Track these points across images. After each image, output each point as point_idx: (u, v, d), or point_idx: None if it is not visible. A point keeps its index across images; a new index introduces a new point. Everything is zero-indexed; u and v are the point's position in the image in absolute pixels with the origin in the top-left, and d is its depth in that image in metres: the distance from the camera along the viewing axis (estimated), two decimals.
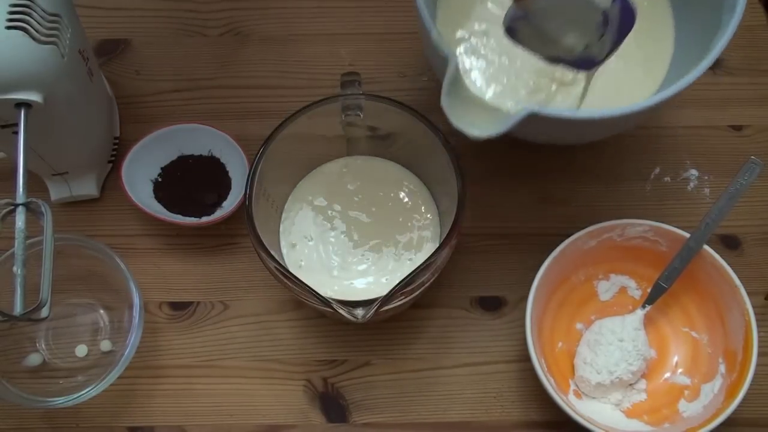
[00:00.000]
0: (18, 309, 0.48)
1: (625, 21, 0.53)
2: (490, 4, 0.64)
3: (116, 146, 0.70)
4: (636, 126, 0.66)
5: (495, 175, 0.69)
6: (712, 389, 0.58)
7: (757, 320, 0.57)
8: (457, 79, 0.52)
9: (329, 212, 0.62)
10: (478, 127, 0.50)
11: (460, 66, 0.56)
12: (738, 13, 0.52)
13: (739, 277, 0.58)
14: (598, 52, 0.53)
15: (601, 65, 0.55)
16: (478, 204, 0.67)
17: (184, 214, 0.65)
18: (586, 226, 0.60)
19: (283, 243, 0.62)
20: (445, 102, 0.49)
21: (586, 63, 0.55)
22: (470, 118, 0.51)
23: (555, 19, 0.52)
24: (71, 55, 0.56)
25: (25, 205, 0.50)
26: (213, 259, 0.67)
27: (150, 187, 0.67)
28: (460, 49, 0.62)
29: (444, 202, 0.61)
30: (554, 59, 0.54)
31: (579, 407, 0.58)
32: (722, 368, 0.58)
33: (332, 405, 0.62)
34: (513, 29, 0.53)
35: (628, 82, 0.62)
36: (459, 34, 0.63)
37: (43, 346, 0.63)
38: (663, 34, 0.63)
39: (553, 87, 0.61)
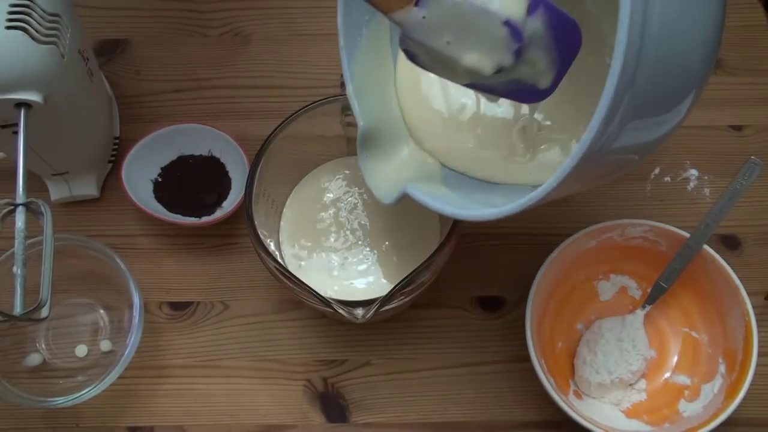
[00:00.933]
0: (18, 309, 0.48)
1: (562, 35, 0.42)
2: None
3: (116, 146, 0.70)
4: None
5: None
6: (712, 389, 0.58)
7: (757, 320, 0.57)
8: (366, 142, 0.52)
9: (329, 212, 0.62)
10: (382, 196, 0.50)
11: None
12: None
13: (739, 277, 0.58)
14: (532, 75, 0.43)
15: (548, 95, 0.45)
16: None
17: (184, 214, 0.65)
18: (586, 226, 0.60)
19: (282, 243, 0.62)
20: (360, 163, 0.51)
21: (526, 92, 0.45)
22: (376, 180, 0.51)
23: (442, 34, 0.43)
24: (71, 55, 0.56)
25: (25, 205, 0.50)
26: (213, 259, 0.67)
27: (150, 187, 0.67)
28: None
29: None
30: (472, 86, 0.45)
31: (579, 407, 0.58)
32: (722, 368, 0.58)
33: (332, 405, 0.62)
34: (410, 51, 0.44)
35: None
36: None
37: (43, 346, 0.63)
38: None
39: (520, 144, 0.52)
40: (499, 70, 0.42)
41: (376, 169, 0.53)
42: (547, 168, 0.50)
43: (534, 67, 0.43)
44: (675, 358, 0.62)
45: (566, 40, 0.42)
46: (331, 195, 0.63)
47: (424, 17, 0.42)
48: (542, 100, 0.45)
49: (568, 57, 0.43)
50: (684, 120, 0.42)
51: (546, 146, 0.51)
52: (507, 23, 0.41)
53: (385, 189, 0.51)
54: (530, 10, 0.41)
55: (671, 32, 0.35)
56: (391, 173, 0.52)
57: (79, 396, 0.57)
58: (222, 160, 0.68)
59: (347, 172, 0.64)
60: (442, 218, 0.62)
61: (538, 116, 0.51)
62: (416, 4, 0.42)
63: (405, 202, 0.62)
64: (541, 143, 0.51)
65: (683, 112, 0.41)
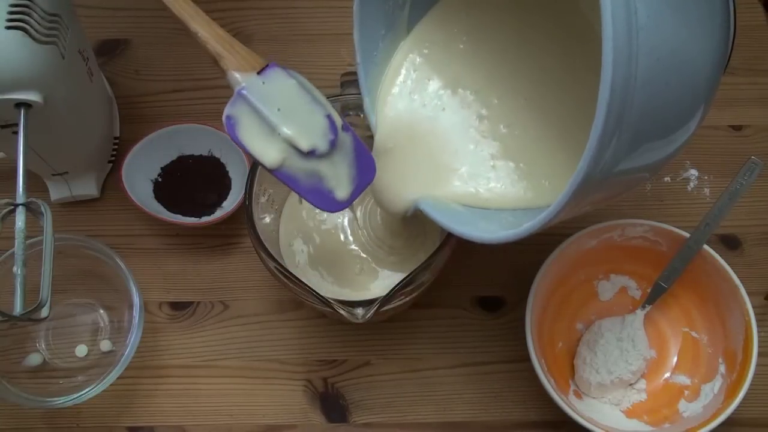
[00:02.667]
0: (18, 309, 0.48)
1: (362, 161, 0.50)
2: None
3: (116, 146, 0.70)
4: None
5: None
6: (712, 389, 0.58)
7: (757, 320, 0.57)
8: (380, 155, 0.53)
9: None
10: (392, 210, 0.53)
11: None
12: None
13: (739, 277, 0.58)
14: (334, 179, 0.49)
15: (341, 209, 0.50)
16: None
17: (184, 214, 0.65)
18: (586, 226, 0.60)
19: (282, 243, 0.62)
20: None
21: (325, 197, 0.49)
22: (389, 193, 0.53)
23: (276, 102, 0.47)
24: (71, 55, 0.56)
25: (25, 205, 0.50)
26: (213, 259, 0.67)
27: (150, 187, 0.67)
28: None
29: None
30: (278, 172, 0.48)
31: (579, 407, 0.58)
32: (722, 368, 0.58)
33: (332, 405, 0.62)
34: (232, 117, 0.47)
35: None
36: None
37: (43, 346, 0.63)
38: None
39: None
40: (312, 153, 0.47)
41: (384, 186, 0.53)
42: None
43: (336, 171, 0.49)
44: (675, 358, 0.62)
45: (365, 166, 0.50)
46: None
47: (263, 83, 0.47)
48: (334, 212, 0.51)
49: (362, 182, 0.50)
50: (693, 134, 0.42)
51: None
52: (328, 116, 0.48)
53: (398, 201, 0.53)
54: (344, 128, 0.48)
55: (662, 62, 0.35)
56: (404, 186, 0.53)
57: (79, 396, 0.57)
58: (222, 160, 0.68)
59: None
60: None
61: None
62: (258, 74, 0.47)
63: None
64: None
65: (691, 129, 0.41)
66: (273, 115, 0.46)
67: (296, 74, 0.48)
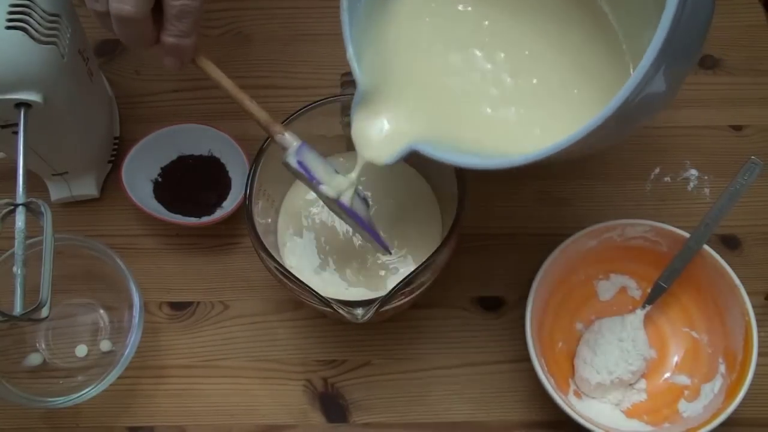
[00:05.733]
0: (18, 309, 0.48)
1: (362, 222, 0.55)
2: None
3: (116, 146, 0.70)
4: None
5: (495, 174, 0.68)
6: (712, 389, 0.58)
7: (757, 320, 0.57)
8: (364, 103, 0.52)
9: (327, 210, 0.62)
10: (374, 156, 0.52)
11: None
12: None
13: (739, 277, 0.58)
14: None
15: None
16: (478, 204, 0.67)
17: (184, 214, 0.65)
18: (586, 226, 0.60)
19: (282, 243, 0.62)
20: (352, 124, 0.52)
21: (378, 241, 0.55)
22: (368, 146, 0.52)
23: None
24: (71, 55, 0.56)
25: (25, 205, 0.50)
26: (213, 259, 0.67)
27: (150, 187, 0.67)
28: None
29: (444, 202, 0.61)
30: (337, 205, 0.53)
31: (579, 407, 0.58)
32: (722, 368, 0.58)
33: (332, 405, 0.62)
34: (302, 162, 0.53)
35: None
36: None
37: (43, 346, 0.63)
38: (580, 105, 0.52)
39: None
40: (365, 199, 0.54)
41: (374, 130, 0.53)
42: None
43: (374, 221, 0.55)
44: (675, 358, 0.62)
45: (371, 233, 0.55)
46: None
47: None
48: (386, 250, 0.56)
49: (367, 229, 0.55)
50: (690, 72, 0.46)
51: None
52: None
53: (384, 150, 0.52)
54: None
55: None
56: (390, 134, 0.52)
57: (79, 396, 0.57)
58: (222, 160, 0.68)
59: (344, 160, 0.63)
60: (442, 218, 0.62)
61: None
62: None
63: (405, 201, 0.62)
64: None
65: (694, 62, 0.46)
66: (333, 164, 0.53)
67: None
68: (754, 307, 0.57)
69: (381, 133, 0.52)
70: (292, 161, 0.52)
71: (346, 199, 0.53)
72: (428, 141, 0.50)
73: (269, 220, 0.60)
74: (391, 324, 0.64)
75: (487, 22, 0.54)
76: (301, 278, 0.52)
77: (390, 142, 0.52)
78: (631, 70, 0.50)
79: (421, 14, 0.55)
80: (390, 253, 0.58)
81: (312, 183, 0.53)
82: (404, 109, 0.54)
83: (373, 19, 0.54)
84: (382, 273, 0.60)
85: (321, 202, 0.62)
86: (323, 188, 0.52)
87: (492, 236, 0.67)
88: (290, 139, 0.53)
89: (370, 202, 0.56)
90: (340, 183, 0.53)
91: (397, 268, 0.60)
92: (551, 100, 0.52)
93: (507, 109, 0.53)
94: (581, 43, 0.53)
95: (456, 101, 0.54)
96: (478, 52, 0.54)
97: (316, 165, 0.53)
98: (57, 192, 0.66)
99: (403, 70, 0.54)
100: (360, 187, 0.54)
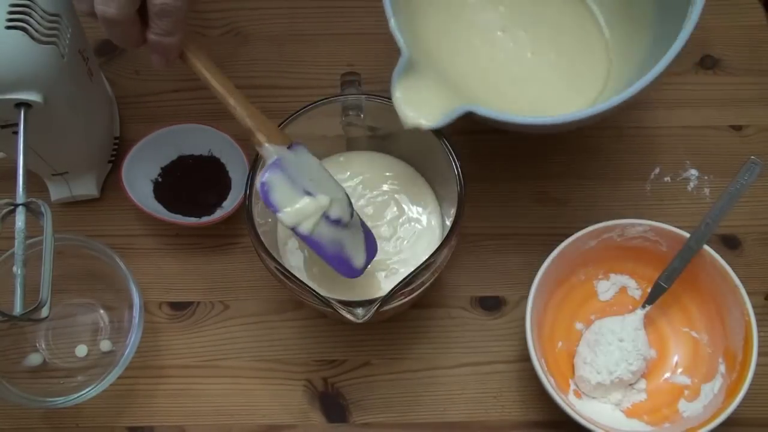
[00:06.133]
0: (18, 309, 0.48)
1: (370, 240, 0.56)
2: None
3: (116, 146, 0.70)
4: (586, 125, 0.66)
5: (495, 175, 0.69)
6: (712, 389, 0.58)
7: (757, 320, 0.57)
8: (408, 71, 0.54)
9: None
10: (425, 118, 0.54)
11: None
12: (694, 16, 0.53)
13: (739, 277, 0.58)
14: (354, 248, 0.54)
15: (355, 276, 0.55)
16: (478, 204, 0.67)
17: (184, 214, 0.65)
18: (586, 226, 0.60)
19: (282, 243, 0.62)
20: (395, 87, 0.54)
21: (344, 264, 0.54)
22: (416, 105, 0.54)
23: (305, 173, 0.52)
24: (71, 55, 0.56)
25: (25, 205, 0.50)
26: (213, 259, 0.67)
27: (150, 187, 0.67)
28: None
29: (444, 202, 0.61)
30: (306, 238, 0.53)
31: (579, 407, 0.58)
32: (722, 368, 0.58)
33: (332, 405, 0.62)
34: (265, 184, 0.52)
35: (559, 96, 0.65)
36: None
37: (43, 346, 0.63)
38: (594, 69, 0.66)
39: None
40: (338, 221, 0.53)
41: (418, 96, 0.55)
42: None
43: (354, 241, 0.54)
44: (675, 358, 0.62)
45: (371, 241, 0.56)
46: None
47: (294, 155, 0.53)
48: (353, 278, 0.55)
49: (371, 255, 0.56)
50: None
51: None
52: (345, 192, 0.54)
53: (431, 113, 0.54)
54: (351, 215, 0.54)
55: None
56: (435, 99, 0.55)
57: (79, 396, 0.57)
58: (222, 160, 0.68)
59: (348, 173, 0.63)
60: (443, 218, 0.62)
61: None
62: (288, 148, 0.53)
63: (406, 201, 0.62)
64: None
65: None
66: (308, 184, 0.52)
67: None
68: (754, 307, 0.57)
69: (430, 97, 0.54)
70: (257, 181, 0.51)
71: (304, 227, 0.51)
72: (475, 104, 0.53)
73: (269, 220, 0.60)
74: (391, 324, 0.64)
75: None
76: (301, 278, 0.52)
77: (440, 105, 0.54)
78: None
79: None
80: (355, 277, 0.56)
81: (269, 209, 0.51)
82: (453, 75, 0.61)
83: None
84: (382, 273, 0.60)
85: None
86: (279, 215, 0.51)
87: (492, 236, 0.67)
88: (270, 151, 0.52)
89: (353, 217, 0.55)
90: (304, 208, 0.51)
91: (397, 268, 0.60)
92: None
93: (542, 77, 0.65)
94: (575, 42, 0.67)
95: (499, 70, 0.64)
96: (522, 32, 0.66)
97: (283, 187, 0.51)
98: (57, 192, 0.66)
99: (447, 41, 0.63)
100: (335, 209, 0.53)
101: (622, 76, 0.63)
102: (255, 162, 0.56)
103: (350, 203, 0.54)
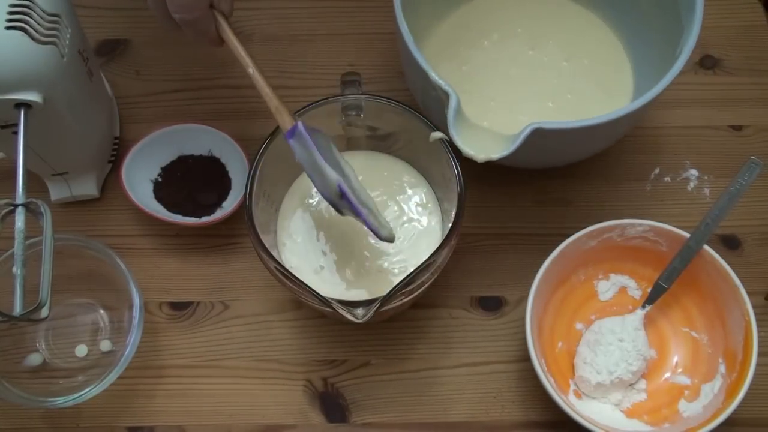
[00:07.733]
0: (18, 309, 0.48)
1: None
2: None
3: (116, 146, 0.70)
4: (623, 134, 0.66)
5: (495, 175, 0.69)
6: (712, 389, 0.58)
7: (757, 320, 0.57)
8: (459, 110, 0.54)
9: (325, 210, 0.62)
10: (486, 151, 0.54)
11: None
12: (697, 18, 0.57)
13: (739, 277, 0.58)
14: (374, 224, 0.54)
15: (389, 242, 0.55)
16: (478, 204, 0.67)
17: (184, 214, 0.65)
18: (586, 226, 0.60)
19: (282, 243, 0.62)
20: (453, 131, 0.53)
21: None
22: (477, 143, 0.54)
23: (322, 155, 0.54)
24: (71, 55, 0.56)
25: (25, 205, 0.50)
26: (213, 259, 0.67)
27: (150, 187, 0.67)
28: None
29: (444, 202, 0.61)
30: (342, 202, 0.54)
31: (579, 407, 0.58)
32: (722, 368, 0.58)
33: (332, 405, 0.62)
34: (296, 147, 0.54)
35: (599, 101, 0.67)
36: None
37: (43, 346, 0.63)
38: (621, 68, 0.69)
39: (551, 104, 0.67)
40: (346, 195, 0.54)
41: (477, 137, 0.55)
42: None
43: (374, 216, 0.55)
44: (675, 358, 0.62)
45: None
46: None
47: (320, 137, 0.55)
48: (386, 242, 0.55)
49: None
50: None
51: None
52: (339, 185, 0.54)
53: (495, 149, 0.54)
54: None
55: None
56: (491, 139, 0.55)
57: (79, 396, 0.57)
58: (222, 160, 0.68)
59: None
60: (442, 218, 0.62)
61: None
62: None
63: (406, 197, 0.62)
64: None
65: None
66: (319, 159, 0.53)
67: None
68: (754, 307, 0.57)
69: (486, 137, 0.55)
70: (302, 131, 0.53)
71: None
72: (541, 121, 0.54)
73: (269, 220, 0.60)
74: (391, 324, 0.64)
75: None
76: (301, 278, 0.52)
77: (501, 141, 0.54)
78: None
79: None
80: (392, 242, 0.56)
81: (305, 145, 0.54)
82: (503, 107, 0.65)
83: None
84: (382, 273, 0.60)
85: (321, 202, 0.62)
86: (316, 154, 0.53)
87: (492, 236, 0.67)
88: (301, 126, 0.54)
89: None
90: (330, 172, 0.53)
91: (397, 268, 0.60)
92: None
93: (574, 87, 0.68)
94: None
95: (542, 86, 0.68)
96: (550, 42, 0.70)
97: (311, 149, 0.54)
98: (57, 192, 0.66)
99: (488, 87, 0.67)
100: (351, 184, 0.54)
101: (642, 76, 0.66)
102: (255, 162, 0.56)
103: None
